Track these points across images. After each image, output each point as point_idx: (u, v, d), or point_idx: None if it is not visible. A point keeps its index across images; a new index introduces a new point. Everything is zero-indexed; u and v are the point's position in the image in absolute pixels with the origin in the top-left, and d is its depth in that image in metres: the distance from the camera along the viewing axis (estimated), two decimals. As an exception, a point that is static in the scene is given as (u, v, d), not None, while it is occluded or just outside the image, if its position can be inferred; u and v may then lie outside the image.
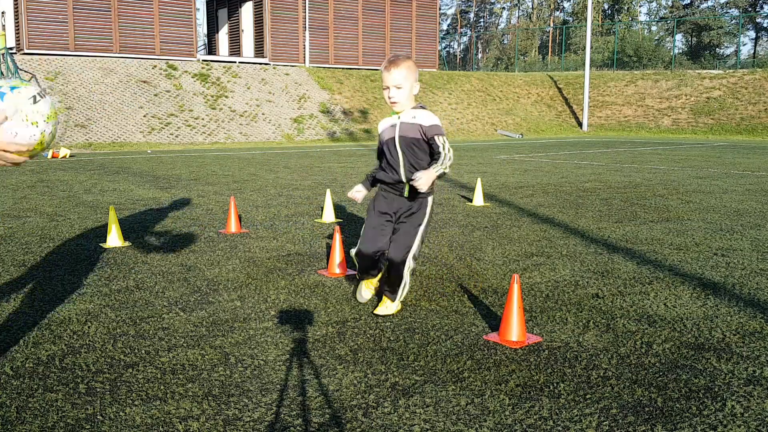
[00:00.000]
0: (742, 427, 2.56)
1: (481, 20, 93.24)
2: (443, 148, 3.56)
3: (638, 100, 34.30)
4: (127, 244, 6.03)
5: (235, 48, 31.24)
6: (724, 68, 42.00)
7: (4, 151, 2.01)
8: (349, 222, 7.23)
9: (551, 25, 76.28)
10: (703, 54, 60.69)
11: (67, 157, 17.20)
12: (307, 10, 29.90)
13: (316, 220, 7.31)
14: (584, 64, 34.91)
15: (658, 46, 52.73)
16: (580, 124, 33.56)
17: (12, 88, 2.04)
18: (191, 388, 2.90)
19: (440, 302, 4.20)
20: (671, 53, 46.14)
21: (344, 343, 3.46)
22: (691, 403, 2.76)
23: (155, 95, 24.49)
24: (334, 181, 11.40)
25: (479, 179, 9.02)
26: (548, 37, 74.49)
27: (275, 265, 5.20)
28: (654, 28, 59.93)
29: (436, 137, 3.57)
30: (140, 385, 2.93)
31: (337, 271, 4.89)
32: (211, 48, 33.54)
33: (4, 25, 25.53)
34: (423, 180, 3.45)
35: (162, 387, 2.91)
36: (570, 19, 77.64)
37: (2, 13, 25.68)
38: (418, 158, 3.64)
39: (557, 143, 24.40)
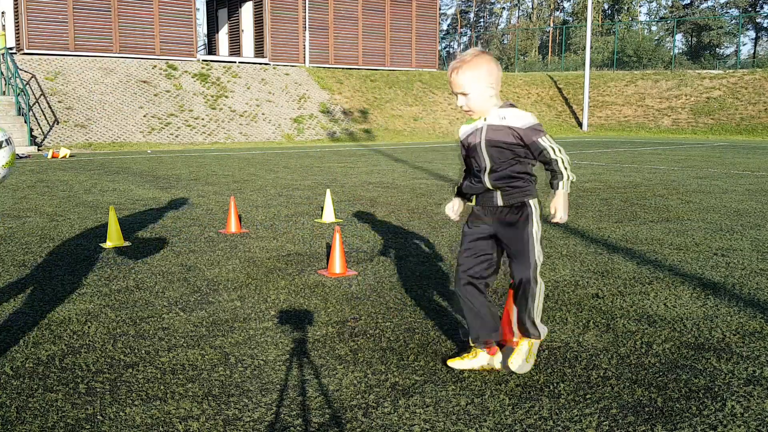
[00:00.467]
0: (742, 427, 2.56)
1: (481, 20, 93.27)
2: (553, 153, 2.94)
3: (638, 100, 34.29)
4: (127, 244, 6.03)
5: (235, 48, 31.24)
6: (724, 68, 42.00)
7: None
8: (349, 222, 7.23)
9: (551, 25, 76.30)
10: (703, 54, 60.69)
11: (67, 157, 17.20)
12: (307, 10, 29.90)
13: (316, 220, 7.31)
14: (584, 64, 34.91)
15: (658, 46, 52.72)
16: (580, 124, 33.57)
17: None
18: (191, 388, 2.90)
19: (440, 302, 4.20)
20: (671, 53, 46.14)
21: (344, 343, 3.46)
22: (691, 403, 2.76)
23: (155, 95, 24.49)
24: (334, 181, 11.40)
25: (479, 179, 9.01)
26: (548, 37, 74.51)
27: (275, 265, 5.20)
28: (654, 28, 59.93)
29: (538, 141, 2.95)
30: (140, 385, 2.93)
31: (338, 271, 4.89)
32: (211, 48, 33.54)
33: (4, 25, 25.53)
34: (560, 212, 2.93)
35: (162, 387, 2.91)
36: (570, 19, 77.66)
37: (2, 13, 25.68)
38: (506, 164, 3.03)
39: (557, 143, 24.40)
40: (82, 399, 2.80)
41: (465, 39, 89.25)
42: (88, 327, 3.72)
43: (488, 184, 3.06)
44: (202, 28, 36.24)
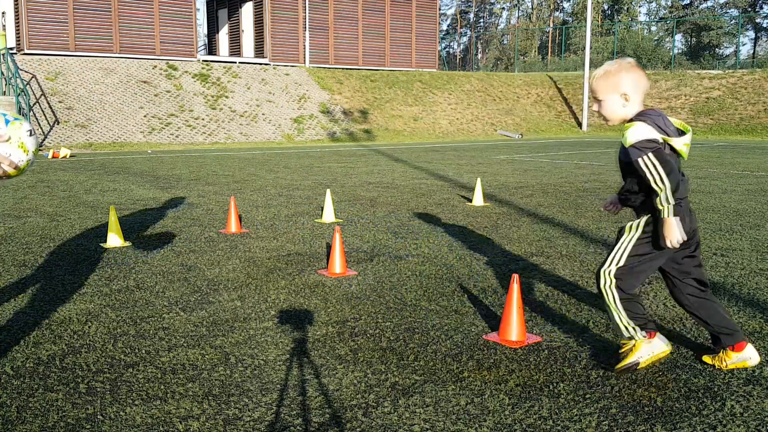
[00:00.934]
0: (742, 426, 2.57)
1: (481, 20, 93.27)
2: (651, 175, 2.89)
3: (638, 100, 34.24)
4: (127, 244, 6.03)
5: (235, 48, 31.24)
6: (723, 68, 42.00)
7: None
8: (349, 222, 7.23)
9: (551, 25, 76.30)
10: (703, 54, 60.68)
11: (68, 157, 17.20)
12: (307, 10, 29.90)
13: (316, 220, 7.31)
14: (584, 64, 34.91)
15: (658, 47, 52.72)
16: (579, 124, 33.57)
17: (14, 119, 2.52)
18: (191, 388, 2.91)
19: (440, 302, 4.20)
20: (671, 53, 46.12)
21: (344, 343, 3.46)
22: (691, 403, 2.76)
23: (155, 95, 24.50)
24: (334, 181, 11.40)
25: (479, 179, 9.03)
26: (548, 37, 74.50)
27: (275, 265, 5.20)
28: (654, 28, 59.95)
29: (638, 161, 2.89)
30: (140, 385, 2.93)
31: (338, 270, 4.90)
32: (211, 48, 33.54)
33: (4, 25, 25.53)
34: (668, 237, 3.03)
35: (162, 387, 2.92)
36: (570, 19, 77.65)
37: (2, 13, 25.69)
38: (630, 181, 3.14)
39: (557, 143, 24.40)
40: (82, 399, 2.80)
41: (465, 39, 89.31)
42: (89, 327, 3.73)
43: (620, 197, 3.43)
44: (202, 29, 36.27)
